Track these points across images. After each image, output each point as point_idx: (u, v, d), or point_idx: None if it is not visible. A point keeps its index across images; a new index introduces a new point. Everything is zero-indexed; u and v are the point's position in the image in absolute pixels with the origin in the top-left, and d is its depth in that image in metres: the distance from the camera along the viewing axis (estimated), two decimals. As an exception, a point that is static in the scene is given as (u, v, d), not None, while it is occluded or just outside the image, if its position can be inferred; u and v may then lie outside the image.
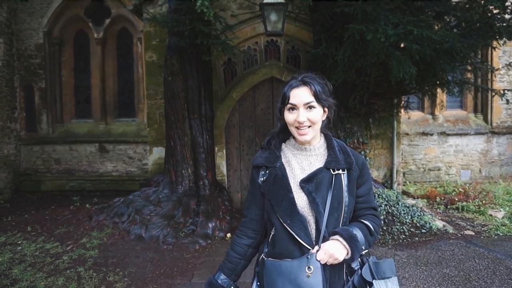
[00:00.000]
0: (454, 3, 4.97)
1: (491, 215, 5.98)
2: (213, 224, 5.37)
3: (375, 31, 3.99)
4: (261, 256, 1.59)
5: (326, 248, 1.43)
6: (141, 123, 8.40)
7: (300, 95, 1.50)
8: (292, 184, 1.51)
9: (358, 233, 1.49)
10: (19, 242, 4.85)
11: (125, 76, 8.66)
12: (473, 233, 5.26)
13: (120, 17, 8.43)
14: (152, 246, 4.88)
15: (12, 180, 8.16)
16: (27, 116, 8.46)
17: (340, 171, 1.52)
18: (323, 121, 1.57)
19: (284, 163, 1.57)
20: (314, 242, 1.46)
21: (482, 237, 5.11)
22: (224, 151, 6.84)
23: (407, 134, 8.34)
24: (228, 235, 5.40)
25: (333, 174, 1.51)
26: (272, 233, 1.54)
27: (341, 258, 1.43)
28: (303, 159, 1.57)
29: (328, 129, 1.67)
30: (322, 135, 1.63)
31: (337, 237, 1.45)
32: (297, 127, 1.52)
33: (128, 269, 4.20)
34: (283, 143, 1.64)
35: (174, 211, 5.46)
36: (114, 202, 5.89)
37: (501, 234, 5.24)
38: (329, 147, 1.59)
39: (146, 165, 8.05)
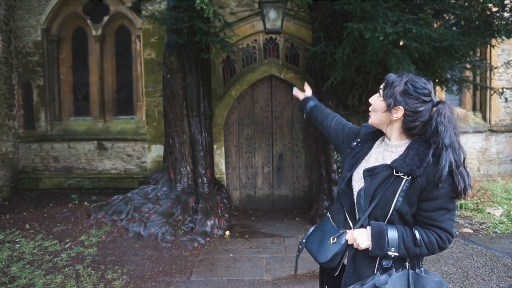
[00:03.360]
0: (453, 1, 4.96)
1: (489, 213, 5.99)
2: (212, 222, 5.37)
3: (374, 30, 3.99)
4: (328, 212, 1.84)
5: (353, 232, 1.56)
6: (140, 120, 8.39)
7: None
8: (361, 168, 1.64)
9: (393, 234, 1.48)
10: (18, 239, 4.84)
11: (123, 73, 8.63)
12: (471, 231, 5.27)
13: (118, 15, 8.40)
14: (150, 244, 4.88)
15: (11, 178, 8.14)
16: (25, 113, 8.43)
17: (402, 175, 1.49)
18: (399, 121, 1.56)
19: (371, 147, 1.70)
20: (355, 226, 1.60)
21: (480, 235, 5.13)
22: (223, 149, 6.84)
23: (405, 132, 8.33)
24: (227, 233, 5.41)
25: (394, 175, 1.51)
26: (336, 194, 1.81)
27: (362, 246, 1.53)
28: (380, 152, 1.65)
29: None
30: (411, 137, 1.58)
31: (368, 227, 1.54)
32: None
33: (126, 266, 4.20)
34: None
35: (172, 209, 5.46)
36: (112, 200, 5.89)
37: (499, 232, 5.25)
38: (408, 148, 1.55)
39: (145, 163, 8.04)
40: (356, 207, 1.61)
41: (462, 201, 6.41)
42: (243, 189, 6.98)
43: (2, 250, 4.48)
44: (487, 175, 8.58)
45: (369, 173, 1.57)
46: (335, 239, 1.61)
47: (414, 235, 1.49)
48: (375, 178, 1.54)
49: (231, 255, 4.64)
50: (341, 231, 1.62)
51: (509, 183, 7.72)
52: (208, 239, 5.12)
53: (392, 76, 1.59)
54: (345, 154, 1.79)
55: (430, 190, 1.48)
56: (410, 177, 1.48)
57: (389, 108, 1.56)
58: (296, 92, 2.33)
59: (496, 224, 5.48)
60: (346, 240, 1.58)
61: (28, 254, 4.40)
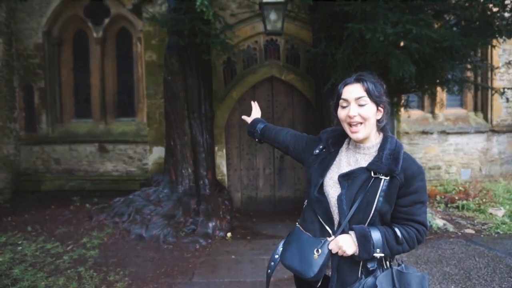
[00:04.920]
0: (453, 2, 4.96)
1: (491, 213, 5.98)
2: (214, 224, 5.37)
3: (374, 30, 3.99)
4: (296, 222, 1.75)
5: (337, 240, 1.52)
6: (141, 122, 8.40)
7: (352, 90, 1.56)
8: (334, 174, 1.60)
9: (376, 235, 1.49)
10: (20, 242, 4.85)
11: (124, 75, 8.64)
12: (473, 232, 5.26)
13: (119, 17, 8.42)
14: (152, 246, 4.88)
15: (12, 180, 8.15)
16: (27, 116, 8.45)
17: (381, 176, 1.51)
18: (378, 120, 1.58)
19: (338, 152, 1.66)
20: (335, 232, 1.55)
21: (482, 236, 5.12)
22: (224, 150, 6.84)
23: (407, 133, 8.34)
24: (229, 234, 5.41)
25: (372, 177, 1.51)
26: (305, 204, 1.73)
27: (349, 252, 1.50)
28: (351, 155, 1.62)
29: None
30: (381, 135, 1.62)
31: (351, 232, 1.51)
32: (349, 124, 1.56)
33: (128, 268, 4.20)
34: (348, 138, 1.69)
35: (174, 211, 5.47)
36: (114, 202, 5.89)
37: (501, 232, 5.25)
38: (380, 149, 1.57)
39: (146, 164, 8.05)
40: (335, 213, 1.56)
41: (464, 202, 6.41)
42: (245, 191, 6.98)
43: (4, 253, 4.48)
44: (489, 175, 8.57)
45: (346, 177, 1.55)
46: (319, 250, 1.53)
47: (395, 233, 1.52)
48: (354, 182, 1.53)
49: (232, 256, 4.64)
50: (322, 241, 1.55)
51: (511, 183, 7.71)
52: (209, 240, 5.12)
53: (368, 79, 1.56)
54: (310, 161, 1.73)
55: (407, 185, 1.52)
56: (388, 177, 1.50)
57: (377, 109, 1.57)
58: (244, 117, 2.30)
59: (498, 225, 5.47)
60: (330, 250, 1.53)
61: (30, 256, 4.41)
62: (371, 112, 1.54)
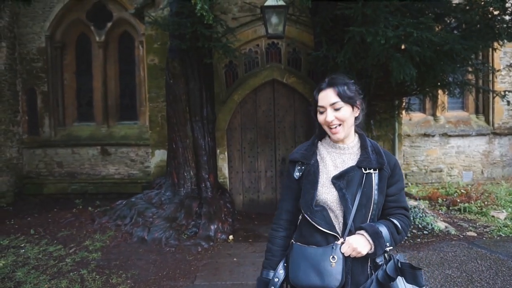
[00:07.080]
0: (454, 5, 4.99)
1: (493, 216, 5.97)
2: (215, 226, 5.38)
3: (375, 34, 4.01)
4: (291, 240, 1.69)
5: (350, 242, 1.52)
6: (143, 126, 8.43)
7: (326, 97, 1.62)
8: (324, 180, 1.62)
9: (384, 230, 1.55)
10: (22, 245, 4.86)
11: (127, 79, 8.68)
12: (475, 234, 5.26)
13: (121, 21, 8.47)
14: (154, 249, 4.89)
15: (15, 183, 8.18)
16: (30, 119, 8.49)
17: (372, 171, 1.59)
18: (356, 118, 1.66)
19: (318, 160, 1.67)
20: (340, 235, 1.56)
21: (484, 238, 5.11)
22: (226, 153, 6.85)
23: (408, 135, 8.34)
24: (231, 237, 5.41)
25: (364, 173, 1.59)
26: (300, 219, 1.69)
27: (364, 252, 1.51)
28: (336, 157, 1.67)
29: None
30: (357, 135, 1.71)
31: (362, 232, 1.53)
32: (329, 127, 1.63)
33: (131, 271, 4.21)
34: (319, 141, 1.74)
35: (176, 214, 5.48)
36: (116, 205, 5.91)
37: (503, 235, 5.24)
38: (363, 147, 1.67)
39: (148, 167, 8.06)
40: (339, 216, 1.57)
41: (466, 204, 6.40)
42: (246, 193, 6.99)
43: (7, 255, 4.50)
44: (491, 178, 8.56)
45: (341, 178, 1.59)
46: (335, 257, 1.50)
47: (395, 224, 1.61)
48: (351, 181, 1.58)
49: (234, 259, 4.65)
50: (333, 246, 1.52)
51: (513, 186, 7.69)
52: (211, 243, 5.13)
53: (339, 83, 1.60)
54: (301, 184, 1.66)
55: (393, 175, 1.65)
56: (377, 170, 1.60)
57: (353, 109, 1.63)
58: None
59: (500, 227, 5.47)
60: (343, 253, 1.51)
61: (33, 259, 4.42)
62: (347, 113, 1.61)
